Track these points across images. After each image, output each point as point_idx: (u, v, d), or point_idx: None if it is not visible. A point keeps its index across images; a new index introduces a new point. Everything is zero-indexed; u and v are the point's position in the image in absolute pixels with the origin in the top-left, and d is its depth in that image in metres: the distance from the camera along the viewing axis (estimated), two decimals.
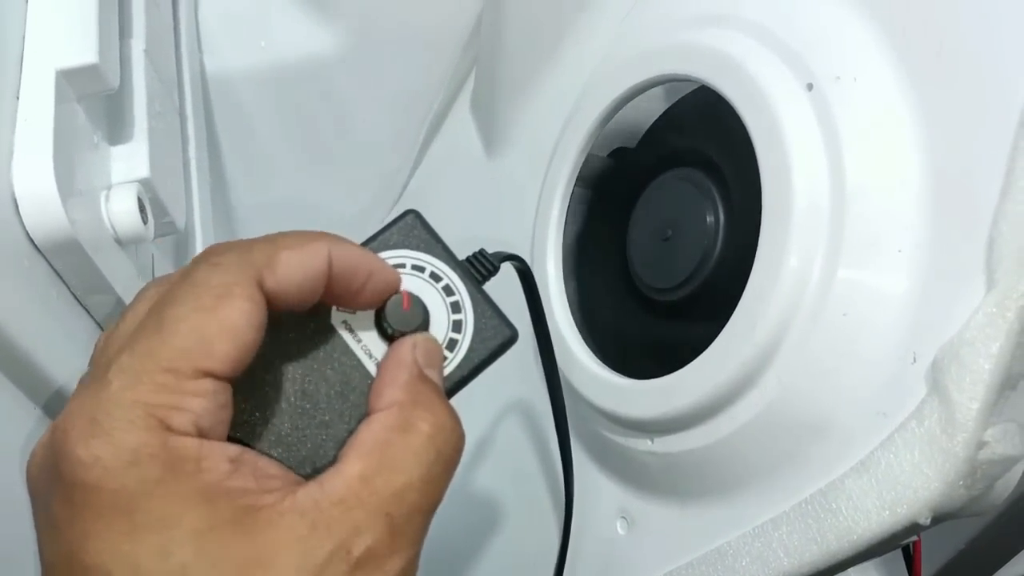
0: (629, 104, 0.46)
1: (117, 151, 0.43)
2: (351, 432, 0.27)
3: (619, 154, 0.50)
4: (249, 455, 0.25)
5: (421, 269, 0.31)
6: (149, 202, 0.42)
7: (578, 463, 0.46)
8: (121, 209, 0.40)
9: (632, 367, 0.41)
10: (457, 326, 0.30)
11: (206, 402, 0.24)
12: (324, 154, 0.72)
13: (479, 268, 0.32)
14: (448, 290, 0.31)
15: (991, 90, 0.30)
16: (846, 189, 0.33)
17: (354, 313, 0.29)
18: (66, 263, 0.37)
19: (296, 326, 0.29)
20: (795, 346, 0.33)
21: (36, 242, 0.36)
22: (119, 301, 0.41)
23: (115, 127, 0.45)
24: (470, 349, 0.30)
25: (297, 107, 0.69)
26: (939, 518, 0.30)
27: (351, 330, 0.29)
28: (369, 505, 0.24)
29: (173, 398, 0.23)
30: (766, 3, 0.37)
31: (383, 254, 0.31)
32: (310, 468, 0.27)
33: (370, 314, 0.29)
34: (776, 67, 0.35)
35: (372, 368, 0.29)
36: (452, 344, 0.30)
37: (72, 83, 0.39)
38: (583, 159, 0.47)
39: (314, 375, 0.29)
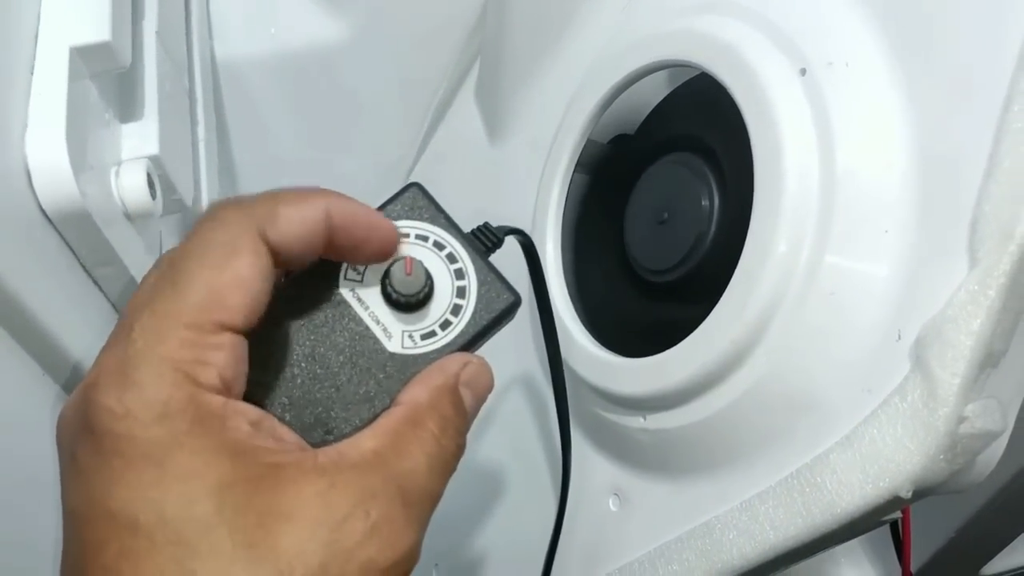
0: (631, 91, 0.47)
1: (128, 128, 0.44)
2: (360, 396, 0.28)
3: (619, 140, 0.51)
4: (268, 420, 0.27)
5: (425, 239, 0.31)
6: (158, 179, 0.43)
7: (573, 441, 0.47)
8: (131, 184, 0.41)
9: (627, 347, 0.41)
10: (461, 292, 0.31)
11: (227, 355, 0.25)
12: (330, 140, 0.73)
13: (483, 240, 0.33)
14: (452, 258, 0.31)
15: (977, 75, 0.31)
16: (836, 172, 0.34)
17: (361, 281, 0.30)
18: (76, 234, 0.38)
19: (306, 294, 0.30)
20: (783, 324, 0.34)
21: (48, 213, 0.37)
22: (127, 274, 0.42)
23: (126, 105, 0.46)
24: (474, 314, 0.31)
25: (304, 94, 0.70)
26: (921, 492, 0.31)
27: (359, 298, 0.30)
28: (383, 475, 0.25)
29: (197, 352, 0.24)
30: None
31: None
32: (321, 430, 0.28)
33: (377, 282, 0.30)
34: (770, 52, 0.36)
35: (379, 333, 0.30)
36: (456, 309, 0.31)
37: (85, 60, 0.40)
38: (583, 145, 0.47)
39: (324, 341, 0.29)
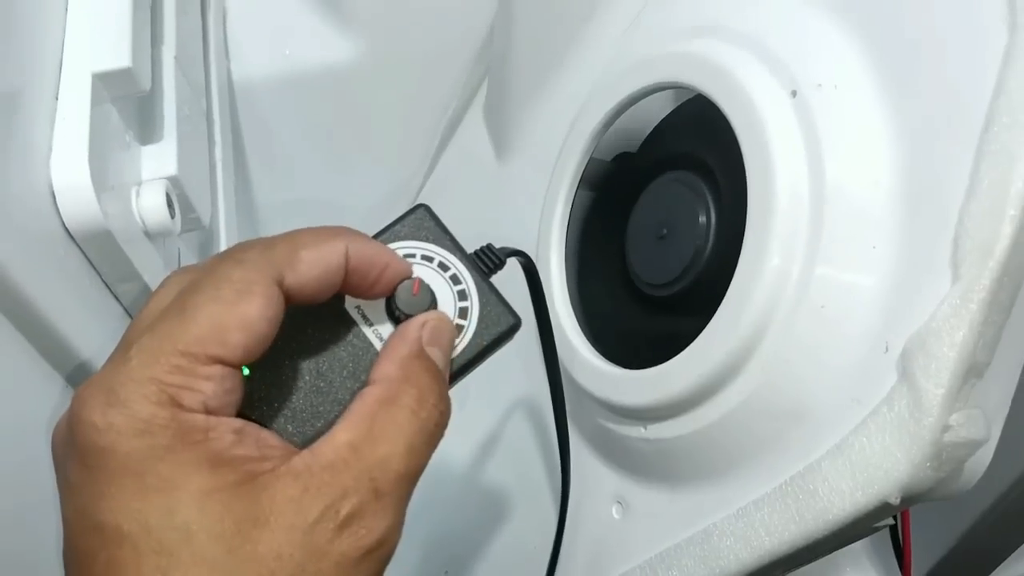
0: (634, 110, 0.48)
1: (147, 150, 0.46)
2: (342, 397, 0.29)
3: (621, 158, 0.52)
4: (252, 428, 0.27)
5: (430, 259, 0.32)
6: (177, 198, 0.45)
7: (576, 451, 0.48)
8: (150, 204, 0.43)
9: (628, 359, 0.43)
10: (463, 312, 0.32)
11: (215, 386, 0.25)
12: (342, 158, 0.75)
13: (486, 261, 0.34)
14: (455, 279, 0.32)
15: (959, 98, 0.32)
16: (825, 189, 0.35)
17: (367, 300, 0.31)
18: (98, 252, 0.40)
19: (312, 311, 0.30)
20: (776, 337, 0.36)
21: (71, 232, 0.38)
22: (147, 290, 0.43)
23: (146, 128, 0.47)
24: (475, 335, 0.31)
25: (317, 113, 0.72)
26: (909, 499, 0.32)
27: (364, 315, 0.31)
28: (356, 470, 0.26)
29: (186, 379, 0.25)
30: (755, 16, 0.39)
31: (393, 245, 0.32)
32: None
33: (382, 300, 0.31)
34: (763, 75, 0.37)
35: (373, 340, 0.31)
36: (458, 329, 0.31)
37: (107, 85, 0.41)
38: (586, 162, 0.49)
39: (327, 357, 0.30)
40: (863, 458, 0.33)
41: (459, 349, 0.31)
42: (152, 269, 0.43)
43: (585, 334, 0.46)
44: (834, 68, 0.36)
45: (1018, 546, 0.59)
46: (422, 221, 0.33)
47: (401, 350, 0.29)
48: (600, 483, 0.46)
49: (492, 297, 0.32)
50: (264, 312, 0.26)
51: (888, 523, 0.37)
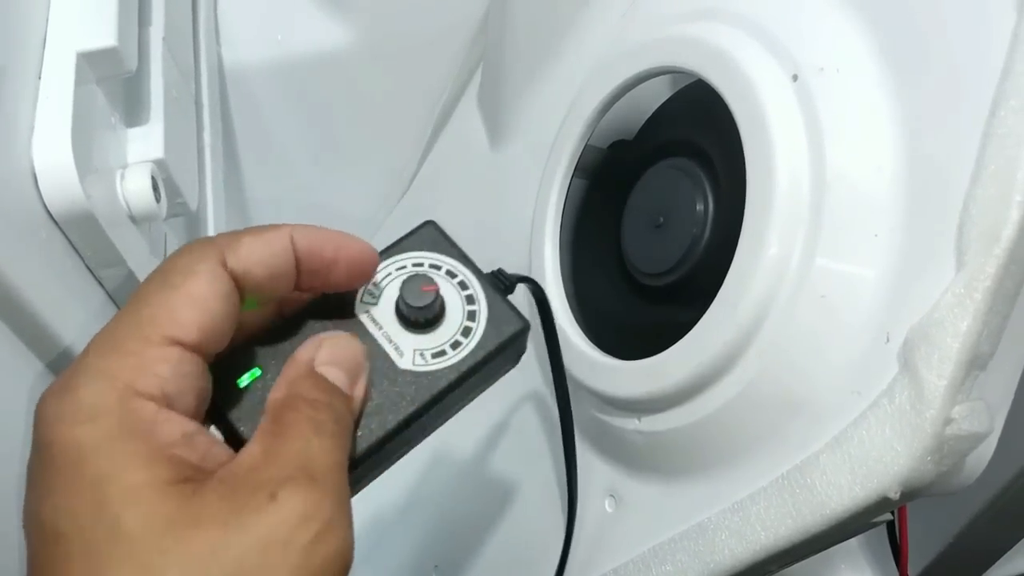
0: (629, 97, 0.47)
1: (133, 132, 0.45)
2: (372, 409, 0.29)
3: (617, 146, 0.51)
4: (204, 437, 0.26)
5: (438, 267, 0.33)
6: (163, 182, 0.44)
7: None
8: (135, 187, 0.42)
9: (624, 349, 0.42)
10: (472, 315, 0.32)
11: (171, 368, 0.25)
12: (335, 145, 0.74)
13: (495, 282, 0.34)
14: (463, 285, 0.32)
15: (964, 81, 0.31)
16: (826, 176, 0.34)
17: (376, 303, 0.32)
18: (81, 236, 0.39)
19: (325, 315, 0.31)
20: (775, 326, 0.35)
21: (53, 214, 0.37)
22: (131, 275, 0.42)
23: (132, 110, 0.46)
24: (484, 336, 0.32)
25: (310, 99, 0.71)
26: (909, 493, 0.31)
27: (373, 318, 0.31)
28: (279, 463, 0.25)
29: (139, 361, 0.25)
30: None
31: (401, 256, 0.33)
32: None
33: (391, 303, 0.31)
34: (763, 58, 0.37)
35: (391, 351, 0.31)
36: (467, 331, 0.32)
37: (92, 65, 0.40)
38: (582, 150, 0.48)
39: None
40: (862, 451, 0.32)
41: (468, 349, 0.31)
42: (137, 254, 0.42)
43: (579, 324, 0.45)
44: (836, 51, 0.35)
45: (1015, 543, 0.59)
46: (431, 235, 0.34)
47: (289, 372, 0.28)
48: (593, 476, 0.45)
49: (501, 303, 0.33)
50: (211, 288, 0.26)
51: (886, 519, 0.36)
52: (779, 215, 0.34)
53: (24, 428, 0.36)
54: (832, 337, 0.34)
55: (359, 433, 0.29)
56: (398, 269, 0.33)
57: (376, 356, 0.30)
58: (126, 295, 0.43)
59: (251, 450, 0.26)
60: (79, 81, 0.39)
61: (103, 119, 0.43)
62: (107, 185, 0.41)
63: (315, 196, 0.76)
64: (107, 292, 0.42)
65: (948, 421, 0.30)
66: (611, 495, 0.44)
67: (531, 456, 0.51)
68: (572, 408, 0.44)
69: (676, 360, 0.38)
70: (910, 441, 0.30)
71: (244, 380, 0.29)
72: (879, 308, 0.33)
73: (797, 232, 0.34)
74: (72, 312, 0.38)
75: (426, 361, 0.31)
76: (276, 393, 0.28)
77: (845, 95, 0.35)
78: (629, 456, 0.42)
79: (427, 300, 0.31)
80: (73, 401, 0.24)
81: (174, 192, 0.46)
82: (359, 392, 0.29)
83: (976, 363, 0.30)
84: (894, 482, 0.31)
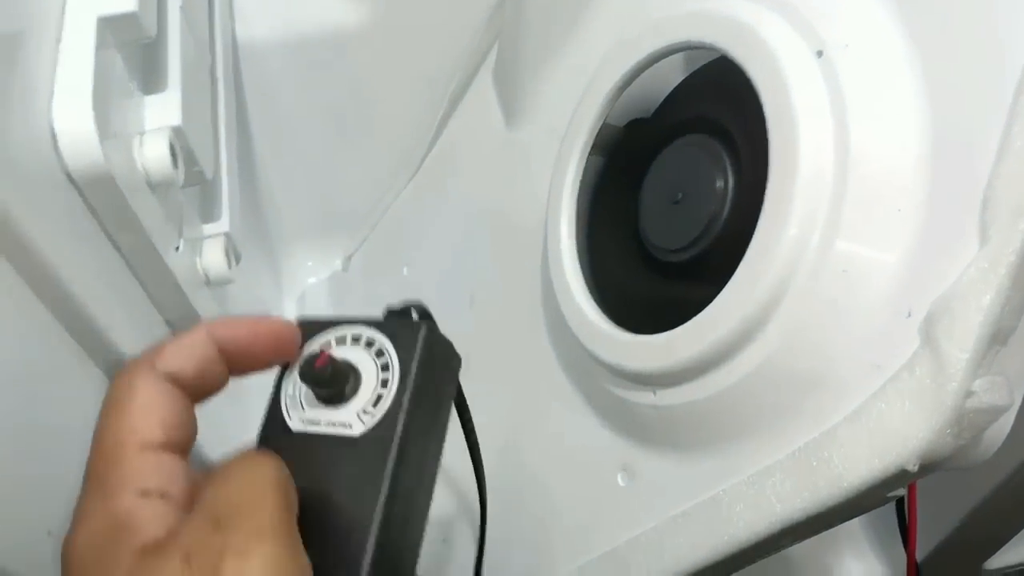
0: (647, 76, 0.47)
1: (151, 99, 0.45)
2: (357, 489, 0.30)
3: (634, 125, 0.51)
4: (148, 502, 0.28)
5: (328, 345, 0.33)
6: (180, 149, 0.44)
7: (583, 419, 0.47)
8: (154, 153, 0.42)
9: (639, 324, 0.42)
10: (379, 353, 0.33)
11: (151, 465, 0.28)
12: (346, 124, 0.74)
13: (376, 320, 0.34)
14: (355, 338, 0.33)
15: (991, 57, 0.31)
16: (850, 152, 0.34)
17: (303, 408, 0.32)
18: (100, 199, 0.39)
19: (274, 441, 0.32)
20: (795, 300, 0.35)
21: (73, 176, 0.37)
22: (148, 241, 0.42)
23: (150, 77, 0.46)
24: (401, 360, 0.32)
25: (322, 75, 0.71)
26: (927, 467, 0.32)
27: (310, 420, 0.32)
28: (210, 510, 0.26)
29: (121, 473, 0.27)
30: None
31: (292, 365, 0.33)
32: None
33: (312, 400, 0.32)
34: (788, 34, 0.37)
35: (343, 431, 0.31)
36: (385, 367, 0.32)
37: (112, 30, 0.40)
38: (599, 128, 0.48)
39: (318, 482, 0.30)
40: (881, 424, 0.32)
41: (397, 379, 0.32)
42: (153, 219, 0.43)
43: (595, 299, 0.45)
44: (862, 27, 0.35)
45: (1022, 528, 0.59)
46: (310, 327, 0.34)
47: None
48: (605, 451, 0.45)
49: (391, 324, 0.33)
50: (155, 393, 0.29)
51: (901, 493, 0.36)
52: (802, 192, 0.34)
53: (39, 372, 0.36)
54: (853, 311, 0.34)
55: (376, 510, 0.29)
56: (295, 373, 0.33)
57: (334, 446, 0.31)
58: (141, 261, 0.43)
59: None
60: (99, 45, 0.39)
61: (122, 84, 0.43)
62: (125, 149, 0.41)
63: (325, 170, 0.76)
64: (123, 256, 0.42)
65: (968, 394, 0.30)
66: (623, 469, 0.44)
67: (541, 428, 0.51)
68: (586, 381, 0.45)
69: (694, 333, 0.38)
70: (930, 414, 0.30)
71: None
72: (901, 282, 0.33)
73: (820, 207, 0.34)
74: (88, 272, 0.38)
75: (372, 412, 0.31)
76: None
77: (871, 72, 0.35)
78: (643, 430, 0.43)
79: (327, 371, 0.31)
80: (77, 526, 0.27)
81: (191, 160, 0.46)
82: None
83: (998, 337, 0.30)
84: (912, 455, 0.31)
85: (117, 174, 0.38)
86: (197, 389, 0.30)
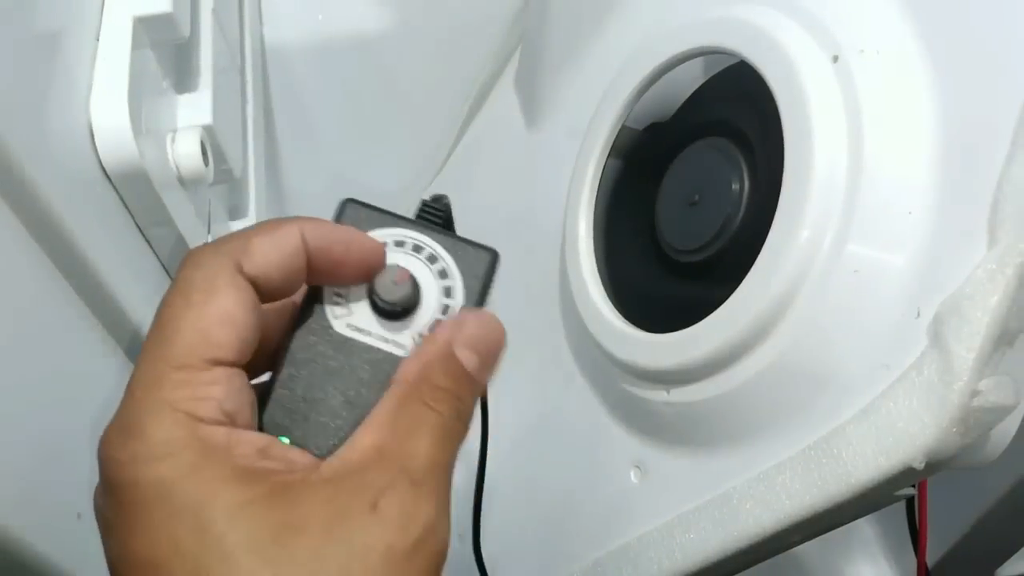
0: (666, 81, 0.48)
1: (183, 99, 0.46)
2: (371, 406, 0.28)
3: (653, 128, 0.52)
4: (277, 445, 0.27)
5: (383, 244, 0.31)
6: (211, 148, 0.45)
7: (596, 417, 0.48)
8: (185, 150, 0.43)
9: (655, 323, 0.43)
10: (443, 274, 0.31)
11: (223, 388, 0.25)
12: (370, 124, 0.75)
13: (432, 216, 0.33)
14: (417, 248, 0.31)
15: (1002, 62, 0.32)
16: (864, 155, 0.35)
17: (350, 312, 0.30)
18: (134, 194, 0.40)
19: (309, 345, 0.30)
20: (807, 300, 0.35)
21: (108, 171, 0.38)
22: (179, 237, 0.44)
23: (182, 77, 0.48)
24: (466, 286, 0.31)
25: (347, 78, 0.72)
26: (933, 465, 0.32)
27: (358, 328, 0.30)
28: (385, 465, 0.26)
29: (192, 390, 0.25)
30: None
31: None
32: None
33: (367, 307, 0.30)
34: (804, 39, 0.37)
35: (393, 349, 0.29)
36: (448, 291, 0.31)
37: (147, 30, 0.42)
38: (618, 131, 0.49)
39: (350, 385, 0.29)
40: (889, 422, 0.33)
41: (459, 307, 0.30)
42: (184, 215, 0.44)
43: (611, 299, 0.46)
44: (877, 33, 0.36)
45: None
46: (357, 213, 0.31)
47: (427, 352, 0.28)
48: (619, 448, 0.46)
49: (459, 244, 0.31)
50: (237, 301, 0.26)
51: (909, 493, 0.37)
52: (816, 194, 0.35)
53: (74, 363, 0.37)
54: (864, 311, 0.35)
55: None
56: None
57: (383, 363, 0.29)
58: (173, 257, 0.45)
59: (364, 443, 0.26)
60: (135, 45, 0.40)
61: (156, 83, 0.44)
62: (159, 146, 0.42)
63: (349, 172, 0.77)
64: (154, 250, 0.44)
65: (975, 393, 0.31)
66: (637, 466, 0.45)
67: (557, 424, 0.52)
68: (601, 380, 0.45)
69: (708, 332, 0.38)
70: (937, 412, 0.31)
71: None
72: (911, 283, 0.34)
73: (833, 209, 0.35)
74: (120, 264, 0.39)
75: None
76: (409, 368, 0.28)
77: (885, 77, 0.35)
78: (656, 427, 0.43)
79: (405, 291, 0.30)
80: (144, 441, 0.24)
81: (220, 158, 0.47)
82: (488, 377, 0.29)
83: (1004, 338, 0.31)
84: (919, 452, 0.32)
85: (150, 170, 0.39)
86: (271, 295, 0.28)
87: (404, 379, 0.28)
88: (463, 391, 0.28)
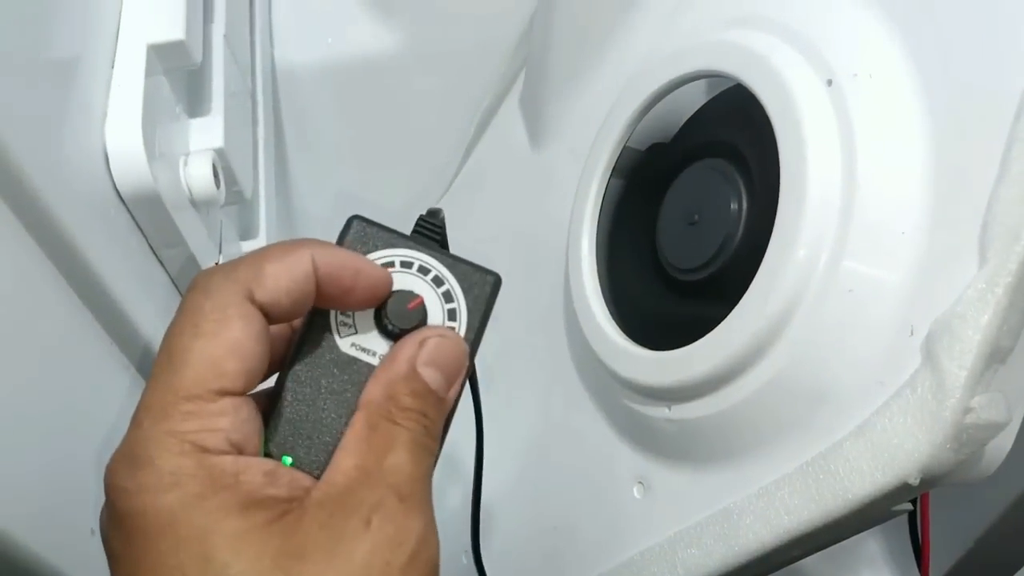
0: (669, 102, 0.49)
1: (195, 123, 0.47)
2: None
3: (655, 149, 0.53)
4: (284, 470, 0.27)
5: (391, 264, 0.31)
6: (222, 170, 0.46)
7: (600, 432, 0.49)
8: (198, 173, 0.44)
9: (655, 341, 0.43)
10: (448, 296, 0.31)
11: (231, 419, 0.26)
12: (378, 144, 0.76)
13: (430, 234, 0.33)
14: (423, 270, 0.31)
15: (991, 86, 0.33)
16: (857, 177, 0.36)
17: (355, 330, 0.30)
18: (147, 216, 0.41)
19: (313, 362, 0.30)
20: (804, 319, 0.36)
21: (122, 194, 0.39)
22: (191, 258, 0.45)
23: (194, 101, 0.49)
24: (469, 310, 0.31)
25: (356, 99, 0.74)
26: (928, 481, 0.33)
27: (362, 347, 0.30)
28: (370, 483, 0.26)
29: (201, 422, 0.25)
30: (792, 5, 0.40)
31: None
32: None
33: (372, 326, 0.30)
34: (799, 64, 0.38)
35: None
36: (452, 314, 0.31)
37: (161, 57, 0.43)
38: (620, 151, 0.50)
39: (328, 388, 0.30)
40: (884, 439, 0.33)
41: (463, 329, 0.31)
42: (196, 236, 0.45)
43: (613, 317, 0.47)
44: (869, 57, 0.37)
45: None
46: (364, 230, 0.32)
47: (387, 372, 0.29)
48: (622, 464, 0.47)
49: (462, 267, 0.32)
50: (247, 332, 0.26)
51: (906, 508, 0.38)
52: (811, 215, 0.36)
53: (85, 382, 0.38)
54: (858, 330, 0.35)
55: None
56: None
57: (363, 378, 0.30)
58: (184, 276, 0.46)
59: (346, 464, 0.27)
60: (149, 71, 0.41)
61: (169, 109, 0.45)
62: (171, 170, 0.43)
63: (357, 191, 0.78)
64: (166, 270, 0.45)
65: (967, 410, 0.31)
66: (640, 482, 0.45)
67: (560, 440, 0.53)
68: (604, 397, 0.46)
69: (707, 350, 0.39)
70: (930, 429, 0.32)
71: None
72: (904, 302, 0.34)
73: (827, 230, 0.36)
74: (134, 286, 0.40)
75: None
76: (373, 391, 0.28)
77: (877, 99, 0.36)
78: (658, 444, 0.44)
79: (419, 317, 0.30)
80: (152, 472, 0.25)
81: (231, 180, 0.48)
82: (453, 394, 0.30)
83: (995, 356, 0.31)
84: (914, 468, 0.32)
85: (163, 193, 0.40)
86: (278, 319, 0.28)
87: (370, 399, 0.28)
88: (428, 408, 0.29)
